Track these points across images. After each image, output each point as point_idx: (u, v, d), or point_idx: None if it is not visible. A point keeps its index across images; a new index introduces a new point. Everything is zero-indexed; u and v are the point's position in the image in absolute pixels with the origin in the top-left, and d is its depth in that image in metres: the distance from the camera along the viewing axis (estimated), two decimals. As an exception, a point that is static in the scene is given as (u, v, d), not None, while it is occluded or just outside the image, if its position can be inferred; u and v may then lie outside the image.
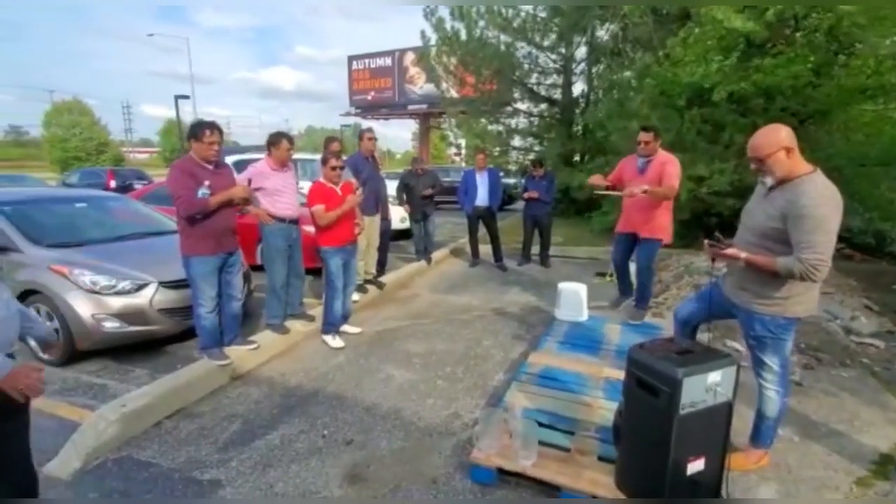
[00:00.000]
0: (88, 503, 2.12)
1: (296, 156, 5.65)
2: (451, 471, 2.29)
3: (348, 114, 27.37)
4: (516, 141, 13.00)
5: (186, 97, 23.32)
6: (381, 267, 5.49)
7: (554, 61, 12.06)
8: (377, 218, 5.05)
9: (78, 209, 4.42)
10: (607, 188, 4.01)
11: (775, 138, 1.94)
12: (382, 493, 2.16)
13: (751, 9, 5.91)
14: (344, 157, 3.97)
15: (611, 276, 5.25)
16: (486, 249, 6.79)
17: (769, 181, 2.01)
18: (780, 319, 2.05)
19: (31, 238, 3.71)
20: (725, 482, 1.91)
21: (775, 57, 6.08)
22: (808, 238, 1.83)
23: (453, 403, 2.93)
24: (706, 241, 2.24)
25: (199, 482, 2.22)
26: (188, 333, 3.66)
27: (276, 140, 3.66)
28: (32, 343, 3.48)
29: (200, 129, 3.03)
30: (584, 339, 3.69)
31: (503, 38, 11.22)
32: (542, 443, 2.23)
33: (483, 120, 12.43)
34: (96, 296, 3.42)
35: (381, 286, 5.23)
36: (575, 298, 4.20)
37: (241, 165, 4.58)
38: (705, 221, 7.00)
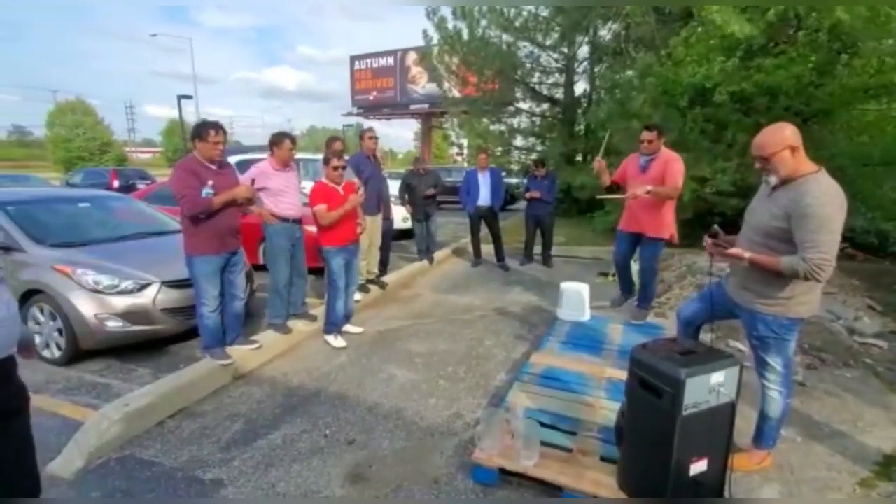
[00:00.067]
0: (91, 502, 2.12)
1: (298, 156, 5.67)
2: (452, 471, 2.29)
3: (350, 114, 27.40)
4: (518, 141, 12.98)
5: (189, 97, 23.49)
6: (384, 267, 5.49)
7: (556, 61, 12.05)
8: (379, 217, 5.05)
9: (81, 209, 4.43)
10: (609, 189, 4.01)
11: (780, 137, 1.94)
12: (384, 493, 2.16)
13: (752, 8, 5.89)
14: (346, 157, 3.97)
15: (613, 275, 5.24)
16: (488, 249, 6.78)
17: (773, 180, 2.00)
18: (784, 320, 2.04)
19: (35, 238, 3.72)
20: (728, 483, 1.90)
21: (777, 57, 6.06)
22: (813, 237, 1.82)
23: (455, 403, 2.93)
24: (706, 237, 2.23)
25: (201, 481, 2.23)
26: (191, 333, 3.66)
27: (279, 140, 3.67)
28: (37, 341, 3.52)
29: (205, 128, 3.04)
30: (586, 339, 3.69)
31: (505, 37, 11.21)
32: (544, 443, 2.23)
33: (485, 119, 12.41)
34: (99, 295, 3.43)
35: (383, 286, 5.23)
36: (577, 298, 4.19)
37: (244, 165, 4.58)
38: (708, 221, 6.96)
